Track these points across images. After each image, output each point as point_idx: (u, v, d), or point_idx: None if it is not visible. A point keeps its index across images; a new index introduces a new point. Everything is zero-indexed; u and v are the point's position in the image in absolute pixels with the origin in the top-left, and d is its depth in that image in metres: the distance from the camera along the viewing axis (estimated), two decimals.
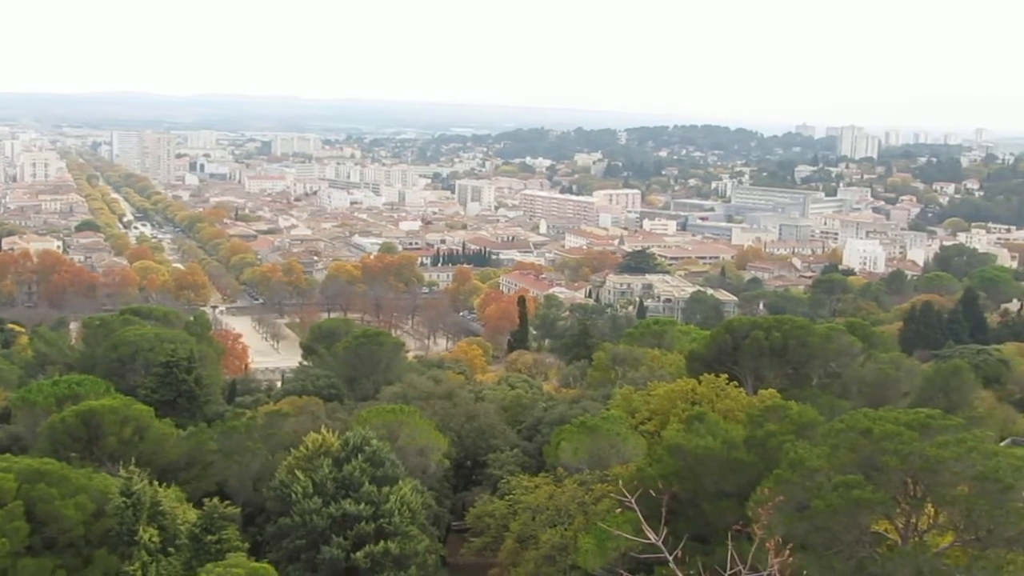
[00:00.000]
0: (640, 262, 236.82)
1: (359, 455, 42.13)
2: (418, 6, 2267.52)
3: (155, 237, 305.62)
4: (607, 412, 51.77)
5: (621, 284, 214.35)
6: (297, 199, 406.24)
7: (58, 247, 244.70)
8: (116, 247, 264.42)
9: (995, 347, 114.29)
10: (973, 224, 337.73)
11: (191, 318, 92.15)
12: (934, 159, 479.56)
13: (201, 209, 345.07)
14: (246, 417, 55.92)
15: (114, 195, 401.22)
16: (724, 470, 37.93)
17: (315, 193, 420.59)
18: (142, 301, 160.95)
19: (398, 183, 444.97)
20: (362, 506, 40.48)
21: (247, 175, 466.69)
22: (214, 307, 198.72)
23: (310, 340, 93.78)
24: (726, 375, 51.59)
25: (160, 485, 40.14)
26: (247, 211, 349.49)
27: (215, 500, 40.88)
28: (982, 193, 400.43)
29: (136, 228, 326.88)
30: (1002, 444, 57.65)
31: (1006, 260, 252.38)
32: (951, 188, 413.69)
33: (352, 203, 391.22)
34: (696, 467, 38.35)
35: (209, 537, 37.90)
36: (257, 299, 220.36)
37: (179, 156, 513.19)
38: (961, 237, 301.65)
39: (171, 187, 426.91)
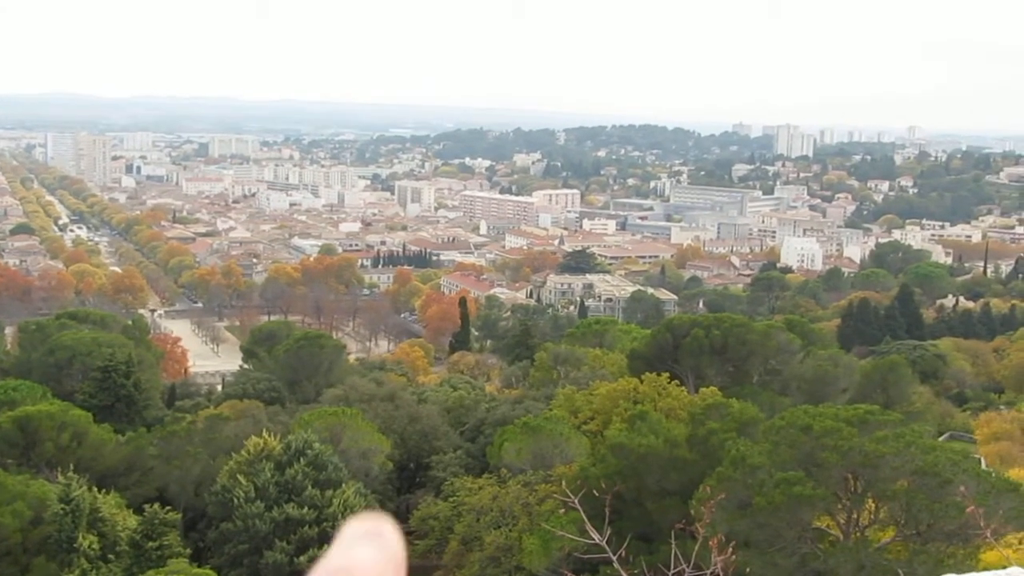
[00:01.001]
0: (580, 262, 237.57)
1: (301, 459, 41.89)
2: (353, 6, 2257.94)
3: (91, 240, 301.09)
4: (550, 412, 51.89)
5: (562, 284, 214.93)
6: (235, 201, 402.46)
7: None
8: (51, 250, 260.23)
9: (931, 342, 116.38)
10: (908, 221, 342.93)
11: (129, 322, 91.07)
12: (868, 157, 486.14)
13: (138, 212, 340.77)
14: (186, 422, 55.36)
15: (49, 198, 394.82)
16: (667, 468, 38.21)
17: (254, 195, 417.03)
18: (79, 305, 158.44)
19: (337, 184, 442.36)
20: (305, 510, 40.25)
21: (184, 177, 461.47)
22: (152, 310, 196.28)
23: (250, 343, 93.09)
24: (667, 374, 51.94)
25: (99, 491, 39.61)
26: (185, 213, 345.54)
27: (155, 506, 40.49)
28: (916, 190, 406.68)
29: (72, 231, 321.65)
30: (940, 439, 58.65)
31: (940, 256, 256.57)
32: (885, 186, 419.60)
33: (291, 205, 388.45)
34: (639, 466, 38.58)
35: (150, 543, 37.51)
36: (196, 302, 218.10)
37: (115, 158, 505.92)
38: (896, 234, 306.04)
39: (107, 189, 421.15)
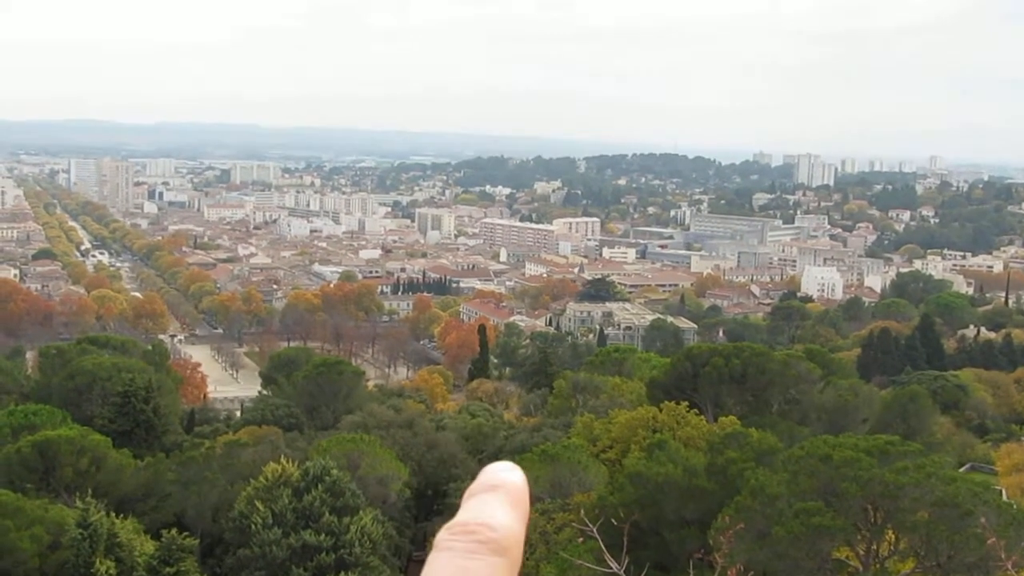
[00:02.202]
0: (600, 290, 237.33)
1: (319, 485, 41.86)
2: (375, 36, 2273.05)
3: (113, 265, 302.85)
4: (568, 440, 51.75)
5: (581, 312, 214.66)
6: (256, 227, 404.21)
7: (14, 276, 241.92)
8: (73, 275, 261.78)
9: (952, 373, 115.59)
10: (928, 251, 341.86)
11: (149, 347, 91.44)
12: (889, 186, 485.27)
13: (160, 237, 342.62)
14: (204, 447, 55.44)
15: (71, 223, 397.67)
16: (685, 498, 38.04)
17: (274, 221, 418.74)
18: (99, 330, 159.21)
19: (358, 211, 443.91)
20: (322, 536, 40.19)
21: (206, 203, 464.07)
22: (172, 336, 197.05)
23: (269, 369, 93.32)
24: (686, 403, 51.77)
25: (117, 516, 39.66)
26: (206, 239, 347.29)
27: (173, 531, 40.50)
28: (937, 220, 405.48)
29: (94, 256, 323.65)
30: (960, 470, 58.19)
31: (961, 286, 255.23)
32: (906, 215, 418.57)
33: (311, 231, 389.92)
34: (657, 495, 38.41)
35: (167, 569, 37.49)
36: (216, 328, 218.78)
37: (137, 184, 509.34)
38: (917, 264, 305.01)
39: (129, 215, 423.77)
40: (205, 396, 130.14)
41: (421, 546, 50.38)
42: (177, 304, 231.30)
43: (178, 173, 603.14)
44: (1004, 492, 49.45)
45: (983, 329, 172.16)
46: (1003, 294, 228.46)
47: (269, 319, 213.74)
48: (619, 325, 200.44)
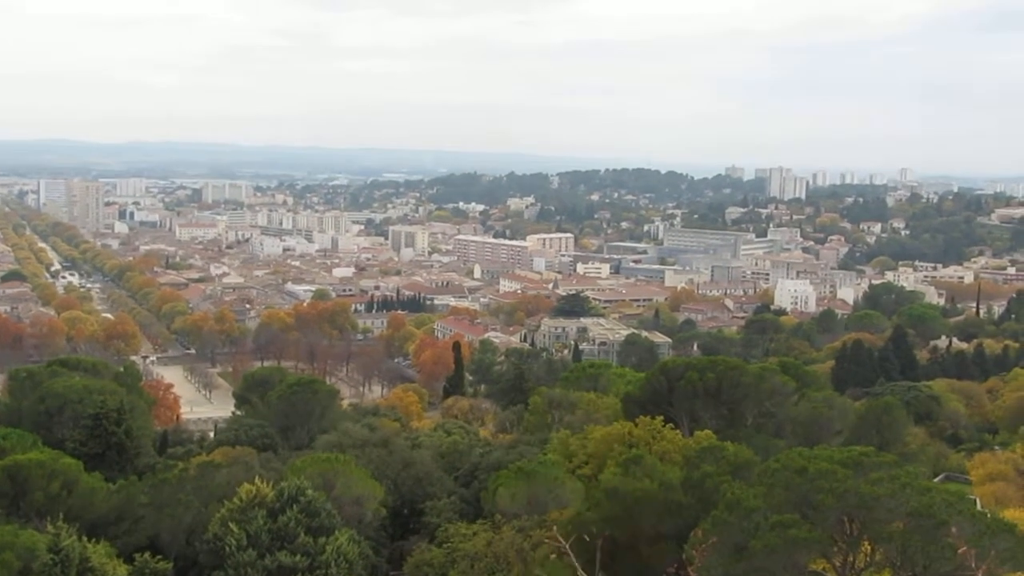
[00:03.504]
0: (574, 305, 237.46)
1: (294, 505, 41.55)
2: (347, 55, 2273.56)
3: (83, 286, 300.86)
4: (544, 457, 51.63)
5: (556, 328, 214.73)
6: (229, 247, 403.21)
7: None
8: (43, 297, 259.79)
9: (925, 383, 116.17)
10: (900, 262, 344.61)
11: (121, 369, 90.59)
12: (861, 199, 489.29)
13: (131, 258, 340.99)
14: (178, 469, 54.88)
15: (41, 244, 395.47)
16: (662, 512, 37.97)
17: (247, 240, 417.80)
18: (70, 352, 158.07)
19: (331, 229, 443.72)
20: (298, 557, 39.87)
21: (178, 223, 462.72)
22: (144, 357, 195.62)
23: (243, 389, 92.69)
24: (662, 417, 51.70)
25: (89, 540, 39.15)
26: (178, 259, 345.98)
27: (146, 555, 40.07)
28: (908, 232, 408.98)
29: (64, 277, 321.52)
30: (935, 480, 58.39)
31: (933, 297, 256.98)
32: (878, 227, 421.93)
33: (284, 250, 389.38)
34: (634, 510, 38.33)
35: None
36: (188, 348, 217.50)
37: (108, 204, 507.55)
38: (889, 275, 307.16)
39: (100, 236, 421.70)
40: (178, 417, 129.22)
41: (398, 565, 50.06)
42: (149, 325, 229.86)
43: (149, 193, 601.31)
44: (979, 501, 49.59)
45: (955, 340, 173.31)
46: (974, 304, 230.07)
47: (242, 339, 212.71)
48: (594, 340, 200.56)
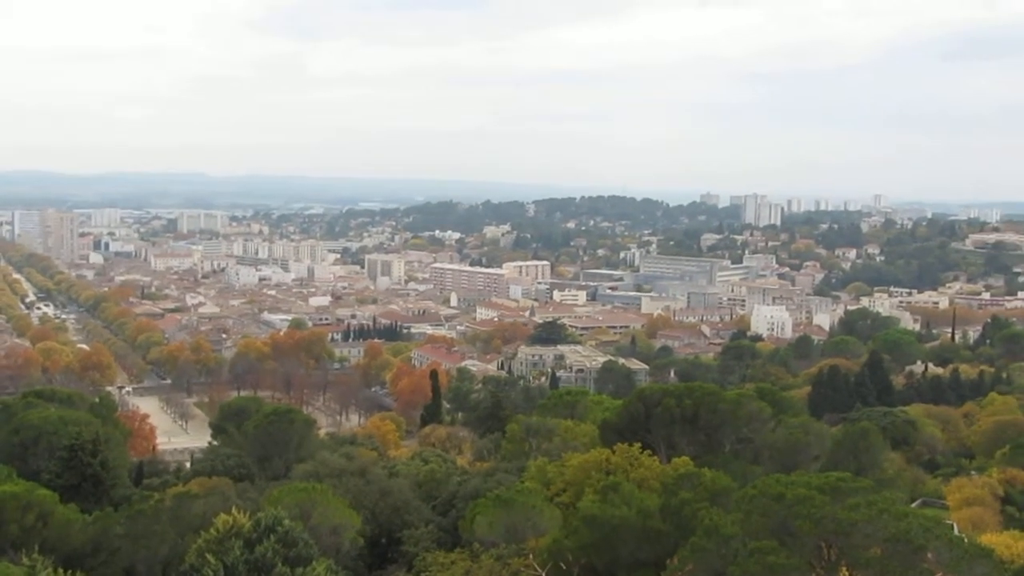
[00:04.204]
0: (551, 333, 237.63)
1: (271, 535, 41.24)
2: (321, 84, 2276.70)
3: (58, 317, 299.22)
4: (522, 484, 51.49)
5: (533, 355, 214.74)
6: (204, 276, 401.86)
7: None
8: (18, 328, 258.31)
9: (901, 409, 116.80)
10: (875, 288, 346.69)
11: (96, 399, 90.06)
12: (835, 225, 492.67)
13: (106, 288, 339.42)
14: (154, 500, 54.42)
15: (15, 275, 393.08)
16: (640, 539, 37.93)
17: (223, 270, 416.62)
18: (45, 383, 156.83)
19: (307, 258, 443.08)
20: None
21: (153, 253, 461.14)
22: (120, 388, 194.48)
23: (219, 419, 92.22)
24: (639, 444, 51.70)
25: (65, 573, 38.78)
26: (153, 289, 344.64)
27: None
28: (883, 258, 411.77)
29: (39, 308, 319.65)
30: (912, 505, 58.60)
31: (908, 323, 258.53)
32: (853, 253, 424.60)
33: (260, 279, 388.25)
34: (612, 537, 38.28)
35: None
36: (164, 379, 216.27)
37: (83, 235, 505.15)
38: (864, 301, 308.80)
39: (75, 266, 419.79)
40: (154, 448, 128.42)
41: None
42: (124, 355, 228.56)
43: (124, 223, 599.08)
44: (956, 526, 49.76)
45: (931, 365, 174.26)
46: (949, 330, 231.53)
47: (218, 368, 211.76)
48: (571, 368, 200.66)
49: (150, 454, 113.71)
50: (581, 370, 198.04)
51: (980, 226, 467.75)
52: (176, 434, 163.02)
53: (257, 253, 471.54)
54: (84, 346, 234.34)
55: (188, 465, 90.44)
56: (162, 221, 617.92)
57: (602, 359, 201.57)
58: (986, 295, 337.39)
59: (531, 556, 29.82)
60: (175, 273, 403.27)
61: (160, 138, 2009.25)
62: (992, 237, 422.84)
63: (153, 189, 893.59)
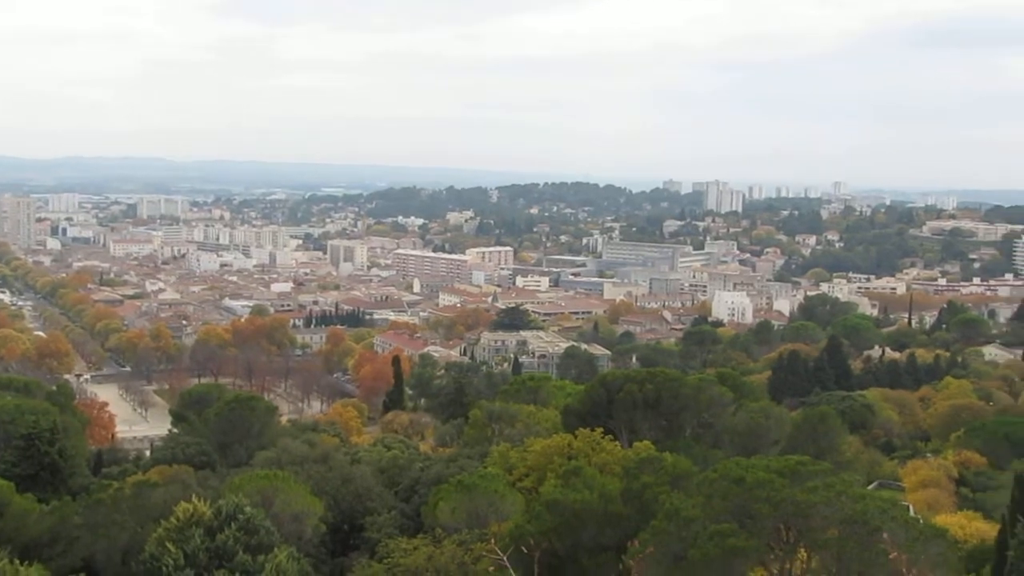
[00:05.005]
0: (514, 319, 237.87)
1: (232, 523, 41.09)
2: (284, 69, 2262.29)
3: (15, 304, 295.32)
4: (484, 470, 51.58)
5: (496, 341, 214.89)
6: (165, 262, 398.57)
7: None
8: None
9: (859, 393, 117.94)
10: (835, 274, 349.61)
11: (54, 388, 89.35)
12: (796, 212, 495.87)
13: (64, 274, 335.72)
14: (113, 489, 54.06)
15: None
16: (602, 523, 38.14)
17: (183, 256, 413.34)
18: (1, 371, 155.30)
19: (269, 244, 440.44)
20: None
21: (112, 239, 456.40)
22: (78, 376, 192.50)
23: (180, 407, 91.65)
24: (601, 429, 51.93)
25: (22, 563, 38.47)
26: (112, 276, 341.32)
27: None
28: (842, 244, 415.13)
29: None
30: (869, 488, 59.23)
31: (867, 308, 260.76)
32: (813, 240, 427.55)
33: (222, 265, 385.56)
34: (574, 522, 38.46)
35: None
36: (124, 366, 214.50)
37: (40, 220, 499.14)
38: (824, 287, 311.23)
39: (32, 252, 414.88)
40: (113, 436, 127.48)
41: None
42: (83, 343, 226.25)
43: (82, 208, 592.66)
44: (911, 508, 50.42)
45: (888, 349, 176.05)
46: (906, 315, 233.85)
47: (179, 356, 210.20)
48: (533, 353, 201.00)
49: (109, 443, 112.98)
50: (544, 356, 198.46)
51: (937, 213, 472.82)
52: (136, 422, 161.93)
53: (218, 239, 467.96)
54: (41, 333, 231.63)
55: (148, 453, 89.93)
56: (121, 206, 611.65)
57: (564, 345, 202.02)
58: (942, 281, 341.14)
59: (493, 541, 29.87)
60: (135, 259, 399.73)
61: (121, 122, 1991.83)
62: (948, 224, 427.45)
63: (113, 174, 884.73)
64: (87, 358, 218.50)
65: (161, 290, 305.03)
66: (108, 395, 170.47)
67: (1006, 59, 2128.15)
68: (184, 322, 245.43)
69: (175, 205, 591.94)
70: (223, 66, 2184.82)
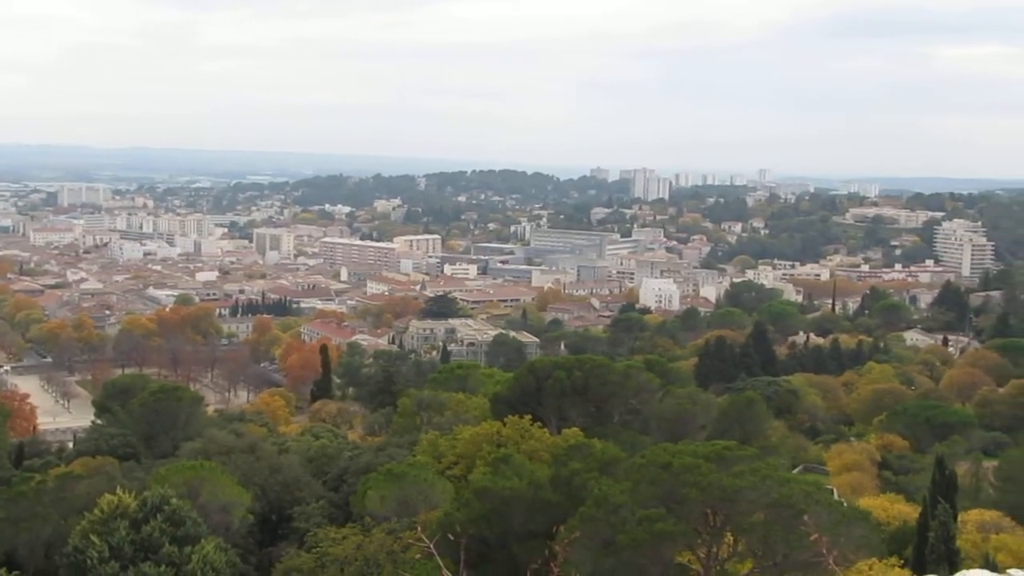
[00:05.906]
0: (442, 307, 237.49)
1: (158, 515, 40.67)
2: (208, 55, 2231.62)
3: None
4: (413, 458, 51.62)
5: (424, 329, 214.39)
6: (87, 251, 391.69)
7: None
8: None
9: (784, 378, 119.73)
10: (760, 261, 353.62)
11: None
12: (722, 199, 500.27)
13: None
14: (35, 481, 53.27)
15: None
16: (531, 510, 38.33)
17: (106, 245, 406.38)
18: None
19: (193, 233, 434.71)
20: (163, 568, 39.03)
21: (32, 227, 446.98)
22: None
23: (103, 397, 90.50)
24: (530, 416, 52.17)
25: None
26: (33, 265, 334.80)
27: (3, 571, 38.74)
28: (767, 231, 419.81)
29: None
30: (794, 471, 60.18)
31: (791, 294, 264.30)
32: (738, 227, 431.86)
33: (145, 254, 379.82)
34: (503, 509, 38.60)
35: None
36: (45, 357, 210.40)
37: None
38: (749, 274, 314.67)
39: None
40: (35, 428, 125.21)
41: (267, 572, 49.40)
42: (2, 333, 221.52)
43: (1, 196, 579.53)
44: (835, 491, 51.34)
45: (812, 335, 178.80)
46: (830, 301, 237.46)
47: (102, 346, 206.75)
48: (462, 341, 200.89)
49: (31, 435, 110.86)
50: (472, 344, 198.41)
51: (860, 201, 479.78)
52: (58, 414, 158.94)
53: (142, 228, 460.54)
54: None
55: (71, 445, 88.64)
56: (41, 194, 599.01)
57: (493, 332, 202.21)
58: (865, 267, 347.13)
59: (420, 529, 29.88)
60: (55, 248, 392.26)
61: (39, 108, 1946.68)
62: (871, 211, 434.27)
63: (31, 161, 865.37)
64: (7, 349, 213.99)
65: (83, 279, 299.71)
66: (29, 386, 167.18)
67: (929, 48, 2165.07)
68: (107, 312, 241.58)
69: (97, 193, 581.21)
70: (145, 52, 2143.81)
